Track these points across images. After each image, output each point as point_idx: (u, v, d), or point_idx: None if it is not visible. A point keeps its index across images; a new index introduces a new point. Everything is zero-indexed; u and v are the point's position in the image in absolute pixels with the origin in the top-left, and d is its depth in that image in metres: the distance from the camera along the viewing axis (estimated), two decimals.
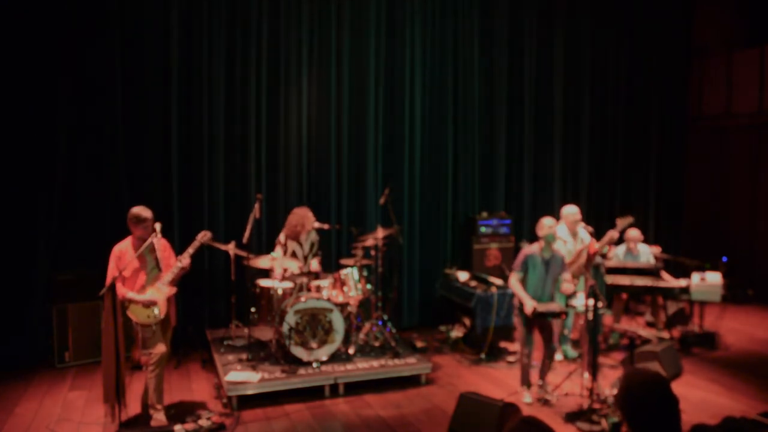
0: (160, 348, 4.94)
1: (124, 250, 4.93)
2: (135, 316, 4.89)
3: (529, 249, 5.64)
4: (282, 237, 6.55)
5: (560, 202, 8.85)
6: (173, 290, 5.05)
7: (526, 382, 5.65)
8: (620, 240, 7.38)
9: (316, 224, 6.73)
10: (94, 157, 6.79)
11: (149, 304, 4.89)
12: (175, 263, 5.05)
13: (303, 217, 6.48)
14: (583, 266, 6.49)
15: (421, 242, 8.24)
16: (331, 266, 7.29)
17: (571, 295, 6.29)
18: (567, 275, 5.72)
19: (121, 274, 4.81)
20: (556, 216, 8.01)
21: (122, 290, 4.83)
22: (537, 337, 5.69)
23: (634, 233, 7.39)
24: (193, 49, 7.08)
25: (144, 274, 4.95)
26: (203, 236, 5.27)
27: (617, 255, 7.41)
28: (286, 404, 5.49)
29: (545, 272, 5.57)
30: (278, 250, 6.44)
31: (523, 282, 5.60)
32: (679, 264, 8.10)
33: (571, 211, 6.67)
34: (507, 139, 8.71)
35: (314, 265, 6.55)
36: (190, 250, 5.09)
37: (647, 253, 7.46)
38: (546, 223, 5.61)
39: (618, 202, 9.56)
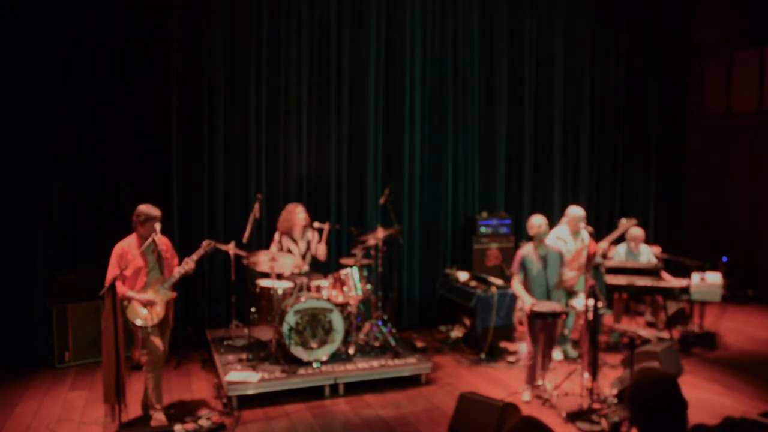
0: (158, 348, 4.93)
1: (126, 249, 4.91)
2: (132, 316, 4.88)
3: (523, 250, 5.67)
4: (277, 235, 6.59)
5: (560, 202, 8.86)
6: (173, 294, 5.04)
7: (531, 380, 5.65)
8: (622, 239, 7.38)
9: (316, 224, 6.74)
10: (94, 156, 6.78)
11: (148, 304, 4.88)
12: (178, 266, 5.05)
13: (291, 213, 6.56)
14: (583, 266, 6.50)
15: (421, 242, 8.23)
16: (331, 266, 7.29)
17: (571, 295, 6.30)
18: (567, 271, 5.75)
19: (122, 273, 4.80)
20: (557, 215, 8.03)
21: (122, 289, 4.82)
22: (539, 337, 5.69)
23: (636, 232, 7.39)
24: (193, 48, 7.08)
25: (145, 274, 4.94)
26: (208, 245, 5.26)
27: (619, 254, 7.41)
28: (286, 404, 5.49)
29: (543, 269, 5.59)
30: (274, 248, 6.47)
31: (525, 283, 5.61)
32: (679, 264, 8.09)
33: (576, 211, 6.67)
34: (507, 139, 8.71)
35: (321, 251, 6.61)
36: (195, 257, 5.09)
37: (648, 253, 7.46)
38: (535, 222, 5.64)
39: (618, 202, 9.55)
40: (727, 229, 10.10)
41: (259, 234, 7.31)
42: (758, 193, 9.76)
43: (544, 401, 5.53)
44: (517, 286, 5.61)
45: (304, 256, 6.62)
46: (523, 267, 5.61)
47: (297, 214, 6.57)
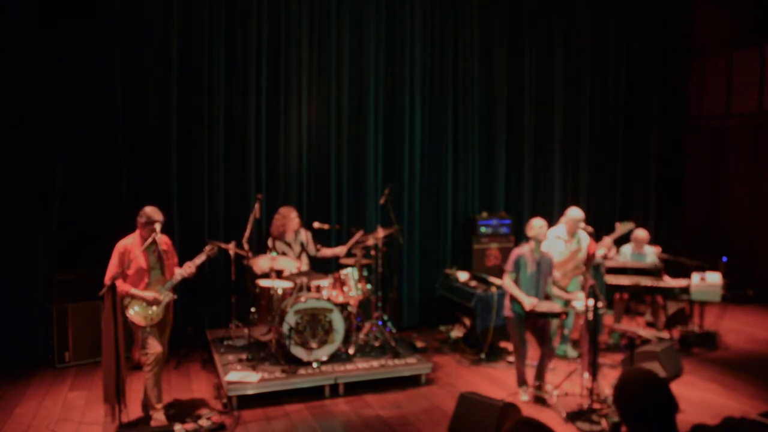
0: (156, 348, 4.93)
1: (129, 247, 4.89)
2: (132, 316, 4.87)
3: (520, 249, 5.66)
4: (270, 241, 6.59)
5: (560, 202, 8.86)
6: (173, 296, 5.04)
7: (522, 382, 5.65)
8: (626, 239, 7.37)
9: (316, 224, 6.75)
10: (94, 157, 6.78)
11: (154, 302, 4.86)
12: (178, 268, 5.05)
13: (285, 217, 6.56)
14: (578, 266, 6.51)
15: (421, 242, 8.23)
16: (331, 266, 7.29)
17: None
18: (557, 274, 5.77)
19: (124, 272, 4.79)
20: (556, 216, 8.03)
21: (124, 286, 4.81)
22: (531, 337, 5.68)
23: (642, 234, 7.40)
24: (193, 49, 7.08)
25: (147, 274, 4.94)
26: (211, 250, 5.25)
27: (624, 254, 7.42)
28: (286, 404, 5.49)
29: (537, 272, 5.59)
30: (269, 254, 6.48)
31: (516, 282, 5.61)
32: (679, 264, 8.10)
33: (575, 213, 6.67)
34: (507, 139, 8.71)
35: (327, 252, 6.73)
36: (197, 261, 5.09)
37: (652, 254, 7.46)
38: (535, 224, 5.64)
39: (618, 203, 9.56)
40: (727, 230, 10.10)
41: (260, 234, 7.31)
42: (758, 193, 9.76)
43: (544, 401, 5.53)
44: (510, 284, 5.59)
45: (299, 257, 6.62)
46: (517, 266, 5.61)
47: (292, 219, 6.57)
